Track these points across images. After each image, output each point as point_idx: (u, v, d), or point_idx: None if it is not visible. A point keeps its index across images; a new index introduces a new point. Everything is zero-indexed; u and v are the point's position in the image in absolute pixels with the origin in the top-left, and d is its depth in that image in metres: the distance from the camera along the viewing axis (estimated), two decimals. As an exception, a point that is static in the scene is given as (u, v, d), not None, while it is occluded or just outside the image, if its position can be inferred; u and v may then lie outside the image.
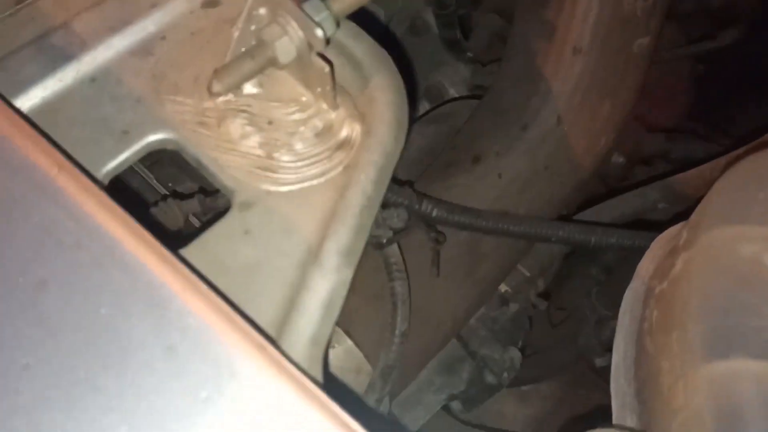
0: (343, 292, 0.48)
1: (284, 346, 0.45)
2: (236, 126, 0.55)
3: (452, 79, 1.08)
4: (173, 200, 0.68)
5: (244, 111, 0.56)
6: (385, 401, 0.66)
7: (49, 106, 0.56)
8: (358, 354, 0.64)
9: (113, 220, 0.46)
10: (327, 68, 0.52)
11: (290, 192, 0.53)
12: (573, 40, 0.69)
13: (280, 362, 0.40)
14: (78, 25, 0.58)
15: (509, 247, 0.71)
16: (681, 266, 0.51)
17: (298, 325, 0.46)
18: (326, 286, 0.48)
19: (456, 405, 0.90)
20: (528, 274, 0.82)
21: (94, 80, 0.57)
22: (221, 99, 0.56)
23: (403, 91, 0.56)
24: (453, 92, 1.07)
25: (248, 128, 0.55)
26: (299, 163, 0.54)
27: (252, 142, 0.54)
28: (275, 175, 0.53)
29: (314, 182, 0.53)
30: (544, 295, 0.91)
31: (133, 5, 0.59)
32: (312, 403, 0.39)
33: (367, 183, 0.51)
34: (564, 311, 1.08)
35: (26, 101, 0.56)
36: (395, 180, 0.68)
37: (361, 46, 0.57)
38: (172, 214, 0.67)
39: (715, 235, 0.50)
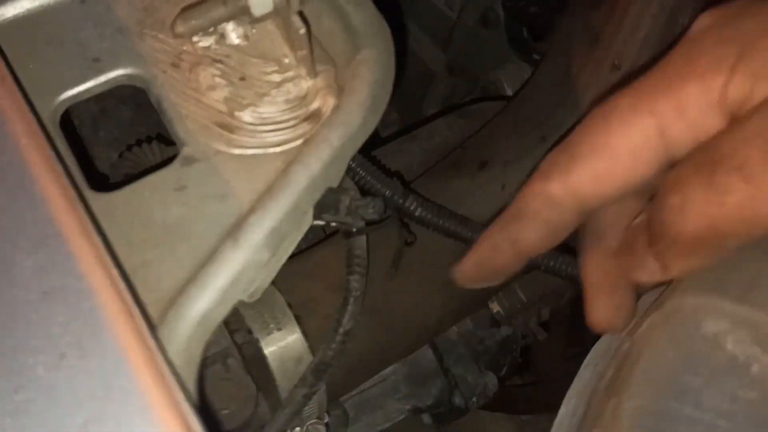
0: (252, 275, 0.44)
1: (170, 318, 0.41)
2: (206, 75, 0.51)
3: (512, 78, 1.02)
4: (157, 144, 0.65)
5: (220, 61, 0.52)
6: (320, 397, 0.62)
7: (31, 19, 0.54)
8: (304, 344, 0.60)
9: (33, 146, 0.43)
10: (303, 30, 0.47)
11: (241, 156, 0.49)
12: (614, 54, 0.62)
13: (142, 335, 0.37)
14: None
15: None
16: (645, 328, 0.45)
17: (192, 298, 0.42)
18: (235, 264, 0.44)
19: (426, 418, 0.85)
20: (525, 300, 0.76)
21: (84, 2, 0.55)
22: (201, 44, 0.52)
23: (391, 72, 0.50)
24: (510, 92, 1.00)
25: (218, 80, 0.51)
26: (260, 128, 0.50)
27: (218, 96, 0.51)
28: (231, 135, 0.50)
29: (269, 150, 0.49)
30: (546, 324, 0.85)
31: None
32: (156, 389, 0.35)
33: (315, 164, 0.46)
34: (581, 346, 1.02)
35: (11, 9, 0.54)
36: (384, 170, 0.63)
37: (360, 14, 0.52)
38: (152, 156, 0.65)
39: (683, 303, 0.43)
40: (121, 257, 0.43)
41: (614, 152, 0.34)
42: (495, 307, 0.78)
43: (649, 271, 0.38)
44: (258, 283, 0.47)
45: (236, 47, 0.53)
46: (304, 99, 0.51)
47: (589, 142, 0.35)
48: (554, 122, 0.64)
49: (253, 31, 0.53)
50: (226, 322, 0.60)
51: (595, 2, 0.64)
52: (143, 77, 0.52)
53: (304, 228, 0.56)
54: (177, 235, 0.46)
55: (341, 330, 0.58)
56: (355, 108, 0.48)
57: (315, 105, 0.50)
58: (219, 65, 0.52)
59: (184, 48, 0.52)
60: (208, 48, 0.52)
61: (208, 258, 0.44)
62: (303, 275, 0.64)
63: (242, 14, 0.48)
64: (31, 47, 0.53)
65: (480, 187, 0.65)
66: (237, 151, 0.49)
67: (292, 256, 0.68)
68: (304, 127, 0.50)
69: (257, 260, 0.44)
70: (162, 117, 0.51)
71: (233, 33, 0.52)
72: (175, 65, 0.52)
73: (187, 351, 0.41)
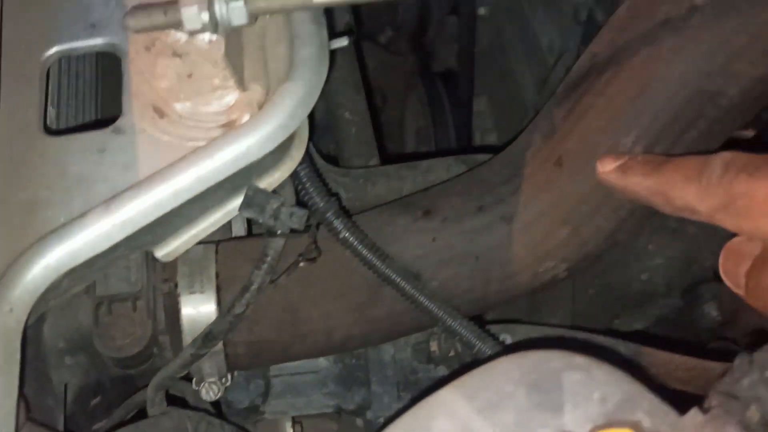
0: (96, 250, 0.51)
1: (25, 257, 0.50)
2: (162, 65, 0.60)
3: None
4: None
5: (180, 56, 0.60)
6: (218, 362, 0.70)
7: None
8: (214, 311, 0.68)
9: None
10: (221, 51, 0.54)
11: (158, 139, 0.57)
12: (562, 150, 0.62)
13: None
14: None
15: (411, 308, 0.69)
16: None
17: (45, 246, 0.51)
18: (98, 227, 0.52)
19: (359, 421, 0.90)
20: (459, 351, 0.78)
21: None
22: (174, 38, 0.61)
23: (304, 107, 0.56)
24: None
25: (170, 71, 0.59)
26: (184, 121, 0.58)
27: (164, 84, 0.59)
28: (159, 120, 0.58)
29: (182, 143, 0.57)
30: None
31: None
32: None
33: (193, 167, 0.53)
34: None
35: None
36: (327, 188, 0.68)
37: (305, 49, 0.57)
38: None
39: (438, 394, 0.47)
40: (19, 188, 0.53)
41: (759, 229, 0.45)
42: (433, 345, 0.81)
43: (736, 281, 0.48)
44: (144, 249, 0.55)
45: (198, 48, 0.60)
46: (230, 108, 0.58)
47: (747, 201, 0.45)
48: (494, 197, 0.66)
49: (215, 38, 0.60)
50: (163, 269, 0.69)
51: (561, 99, 0.65)
52: (121, 50, 0.61)
53: (223, 215, 0.63)
54: (77, 188, 0.55)
55: (232, 311, 0.65)
56: (249, 131, 0.54)
57: (234, 116, 0.57)
58: (177, 59, 0.60)
59: (160, 37, 0.61)
60: (177, 42, 0.61)
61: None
62: (243, 255, 0.71)
63: (178, 26, 0.56)
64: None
65: (415, 232, 0.68)
66: (157, 135, 0.57)
67: (255, 236, 0.76)
68: (216, 132, 0.57)
69: (105, 234, 0.51)
70: (121, 87, 0.60)
71: (202, 36, 0.60)
72: (147, 48, 0.61)
73: (24, 291, 0.50)
